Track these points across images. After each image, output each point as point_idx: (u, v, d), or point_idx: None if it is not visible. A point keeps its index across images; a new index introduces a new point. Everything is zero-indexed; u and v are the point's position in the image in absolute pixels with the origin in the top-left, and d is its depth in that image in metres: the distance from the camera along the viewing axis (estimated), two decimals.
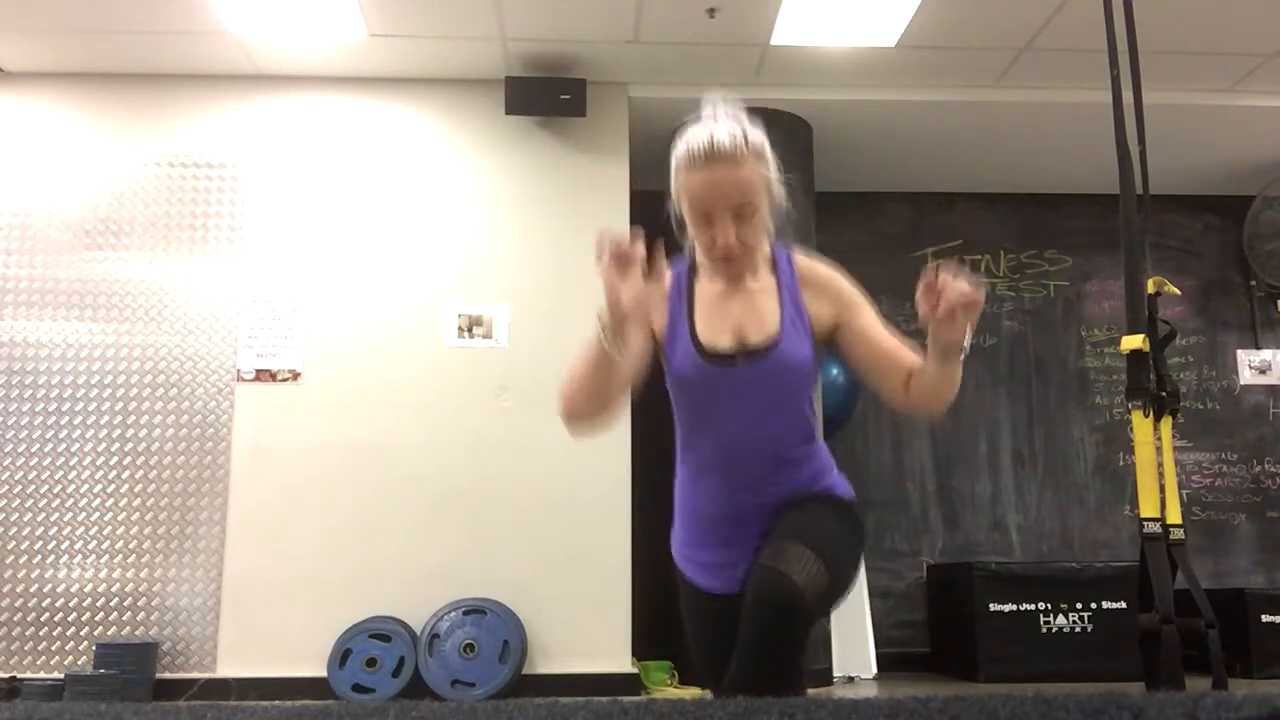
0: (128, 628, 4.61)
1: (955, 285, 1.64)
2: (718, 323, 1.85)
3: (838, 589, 1.77)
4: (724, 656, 1.75)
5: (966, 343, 1.69)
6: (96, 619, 4.62)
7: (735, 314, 1.85)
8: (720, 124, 1.82)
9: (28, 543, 4.67)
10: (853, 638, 5.35)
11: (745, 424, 1.82)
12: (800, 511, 1.83)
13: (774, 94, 5.30)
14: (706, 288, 1.90)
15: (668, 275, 1.90)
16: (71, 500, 4.71)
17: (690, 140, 1.82)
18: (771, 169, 1.83)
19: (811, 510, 1.85)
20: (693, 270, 1.92)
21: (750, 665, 1.64)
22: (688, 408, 1.88)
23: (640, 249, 1.67)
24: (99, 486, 4.73)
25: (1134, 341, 2.93)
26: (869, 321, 1.88)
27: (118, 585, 4.65)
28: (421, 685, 4.42)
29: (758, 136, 1.83)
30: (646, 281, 1.68)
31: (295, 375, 4.88)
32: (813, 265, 1.93)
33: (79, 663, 4.55)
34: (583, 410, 1.79)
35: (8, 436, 4.76)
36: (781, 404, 1.85)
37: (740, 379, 1.82)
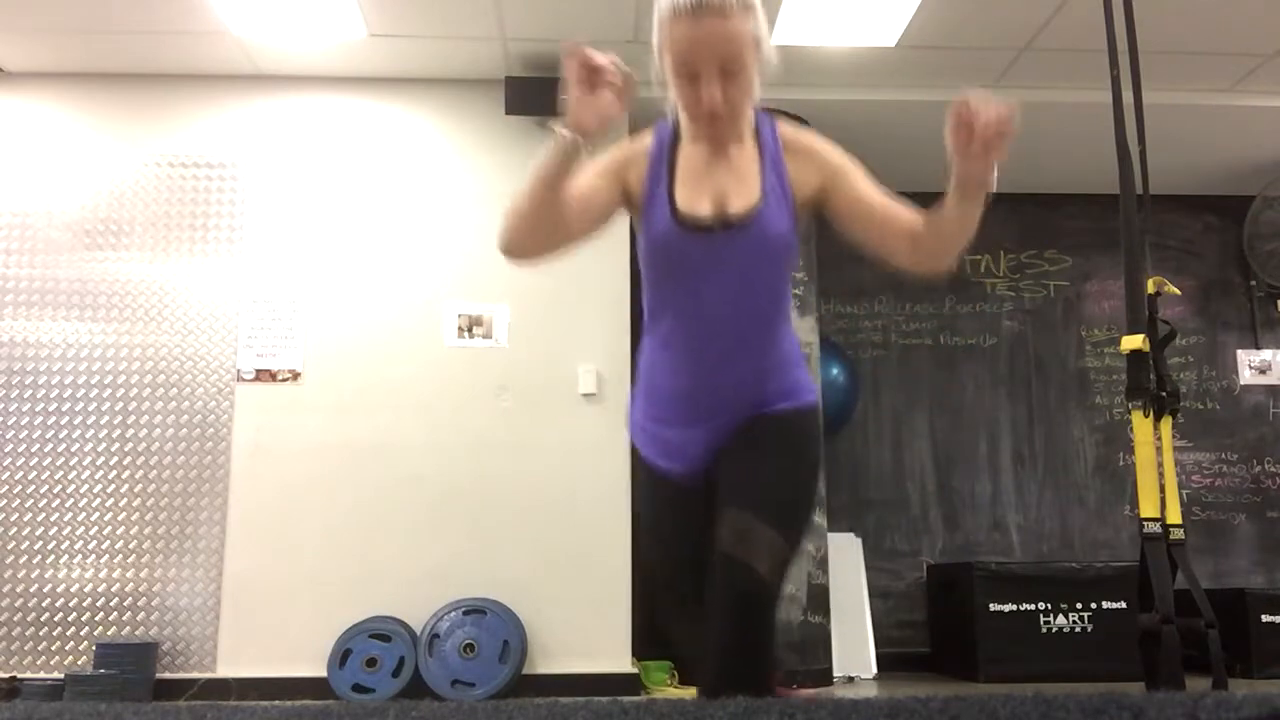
0: (128, 628, 4.61)
1: (988, 114, 1.56)
2: (698, 189, 1.77)
3: (797, 549, 1.74)
4: (680, 549, 1.77)
5: (992, 180, 1.60)
6: (96, 619, 4.62)
7: (717, 181, 1.78)
8: None
9: (28, 543, 4.67)
10: (853, 638, 5.35)
11: (718, 296, 1.75)
12: (763, 458, 1.75)
13: (774, 94, 5.26)
14: (689, 152, 1.81)
15: (649, 136, 1.84)
16: (71, 500, 4.71)
17: None
18: (761, 24, 1.73)
19: (775, 457, 1.76)
20: (675, 134, 1.84)
21: (726, 656, 1.63)
22: (660, 275, 1.80)
23: (611, 63, 1.61)
24: (99, 486, 4.74)
25: (1134, 341, 2.93)
26: (860, 184, 1.81)
27: (118, 585, 4.65)
28: (421, 685, 4.42)
29: None
30: (618, 103, 1.62)
31: (295, 375, 4.88)
32: (797, 132, 1.86)
33: (79, 663, 4.55)
34: (525, 243, 1.72)
35: (8, 436, 4.76)
36: (757, 277, 1.77)
37: (717, 248, 1.74)
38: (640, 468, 1.92)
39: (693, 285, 1.76)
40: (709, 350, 1.78)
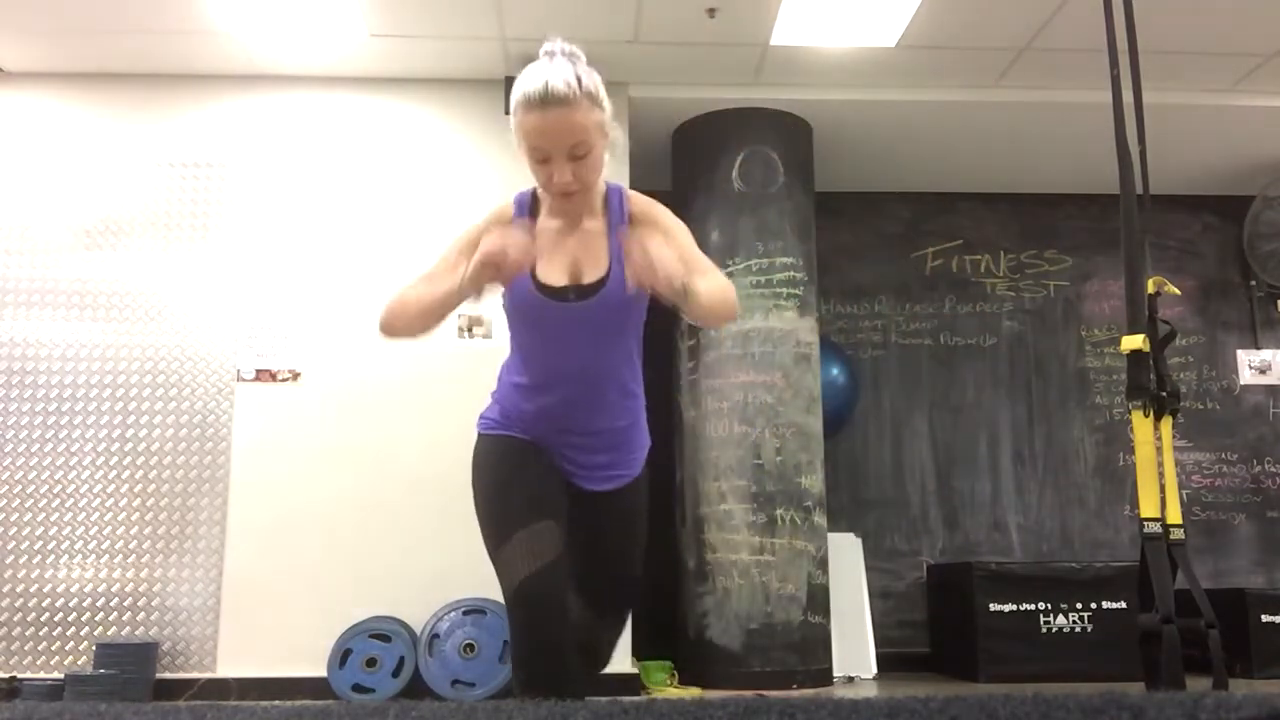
0: (128, 628, 4.61)
1: (635, 257, 1.73)
2: (554, 259, 1.95)
3: (629, 613, 2.17)
4: (525, 490, 1.92)
5: (681, 285, 1.75)
6: (96, 619, 4.62)
7: (571, 251, 1.96)
8: (555, 67, 1.88)
9: (28, 543, 4.67)
10: (853, 638, 5.35)
11: (575, 356, 1.95)
12: (610, 552, 2.07)
13: (774, 94, 5.30)
14: (545, 223, 2.00)
15: (510, 207, 2.03)
16: (71, 500, 4.71)
17: (525, 83, 1.87)
18: (606, 111, 1.92)
19: (620, 553, 2.08)
20: (534, 203, 2.03)
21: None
22: (523, 335, 2.01)
23: (514, 244, 1.77)
24: (99, 486, 4.73)
25: (1134, 341, 2.93)
26: (679, 247, 1.96)
27: (118, 585, 4.65)
28: (421, 685, 4.42)
29: (592, 80, 1.90)
30: (528, 251, 1.81)
31: (295, 375, 4.88)
32: (638, 200, 2.04)
33: (79, 663, 4.55)
34: (406, 329, 1.96)
35: (8, 436, 4.76)
36: (611, 339, 1.97)
37: (572, 314, 1.94)
38: (482, 446, 2.06)
39: (550, 343, 1.97)
40: (568, 399, 1.98)
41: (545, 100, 1.83)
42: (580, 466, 2.02)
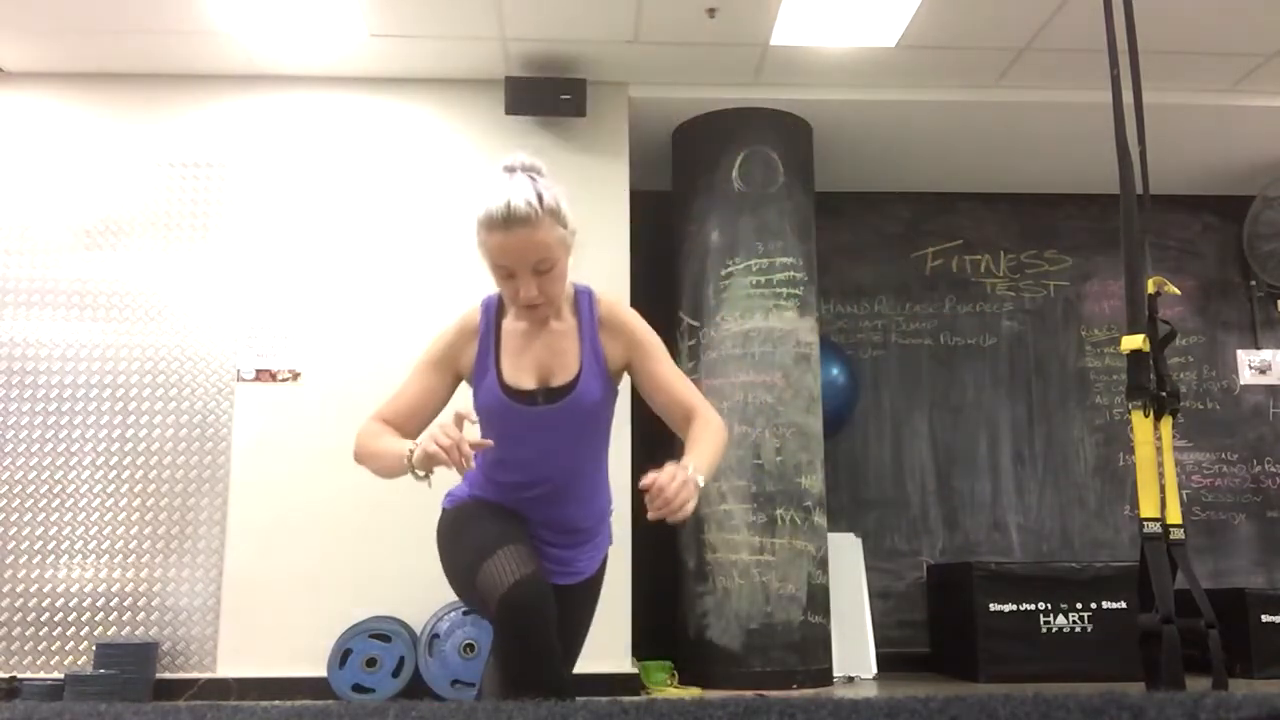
0: (128, 628, 4.61)
1: (667, 491, 1.72)
2: (521, 363, 1.99)
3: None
4: (500, 525, 1.91)
5: (703, 480, 1.81)
6: (96, 619, 4.62)
7: (538, 354, 1.99)
8: (516, 185, 1.89)
9: (28, 543, 4.67)
10: (853, 638, 5.35)
11: (543, 456, 1.98)
12: (574, 625, 2.10)
13: (774, 94, 5.30)
14: (512, 325, 2.02)
15: (477, 314, 2.05)
16: (71, 500, 4.71)
17: (488, 203, 1.89)
18: (569, 225, 1.94)
19: (581, 624, 2.14)
20: (500, 309, 2.05)
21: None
22: (493, 436, 1.98)
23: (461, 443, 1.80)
24: (99, 486, 4.73)
25: (1134, 341, 2.92)
26: (657, 366, 2.01)
27: (118, 585, 4.65)
28: (421, 685, 4.42)
29: (553, 196, 1.92)
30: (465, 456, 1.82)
31: (295, 375, 4.88)
32: (611, 307, 2.05)
33: (79, 663, 4.55)
34: (371, 470, 2.03)
35: (8, 436, 4.76)
36: (578, 439, 2.01)
37: (540, 417, 1.96)
38: (447, 514, 2.08)
39: (518, 445, 1.97)
40: (537, 493, 2.00)
41: (508, 220, 1.86)
42: (551, 561, 2.03)
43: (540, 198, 1.89)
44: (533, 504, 2.01)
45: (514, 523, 1.98)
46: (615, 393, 2.05)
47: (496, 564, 1.81)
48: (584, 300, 2.04)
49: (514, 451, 1.98)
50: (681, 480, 1.73)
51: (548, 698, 1.69)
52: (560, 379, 1.97)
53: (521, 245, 1.87)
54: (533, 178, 1.93)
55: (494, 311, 2.05)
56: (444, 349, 2.05)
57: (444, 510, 2.10)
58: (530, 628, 1.77)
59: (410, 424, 2.02)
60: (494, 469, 2.04)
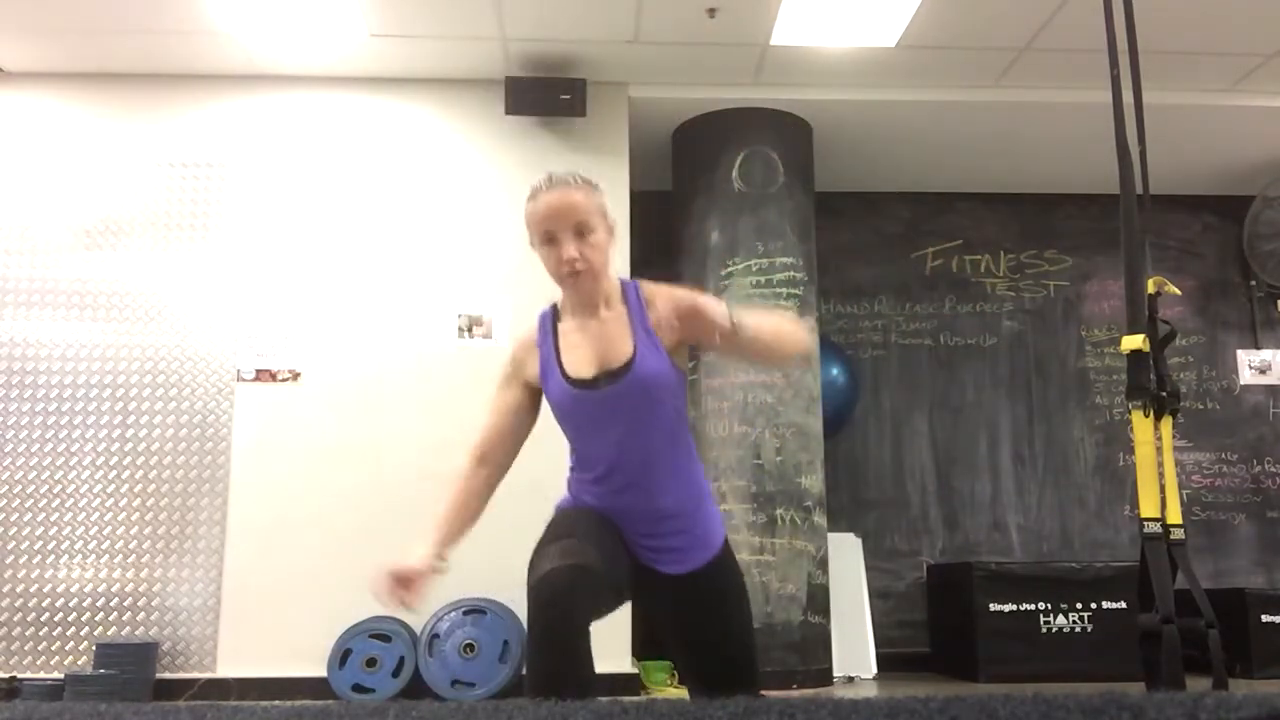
0: (128, 628, 4.61)
1: (676, 307, 1.95)
2: (581, 354, 2.09)
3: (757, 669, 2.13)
4: (590, 532, 1.99)
5: (730, 321, 1.90)
6: (96, 619, 4.62)
7: (594, 343, 2.09)
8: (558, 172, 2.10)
9: (28, 543, 4.67)
10: (853, 638, 5.35)
11: (619, 436, 2.05)
12: (717, 628, 2.10)
13: (774, 94, 5.30)
14: (568, 326, 2.14)
15: (534, 325, 2.19)
16: (71, 500, 4.71)
17: (533, 183, 2.09)
18: (608, 213, 2.10)
19: (711, 618, 2.11)
20: (555, 315, 2.18)
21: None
22: (571, 431, 2.13)
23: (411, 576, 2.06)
24: (99, 486, 4.73)
25: (1134, 341, 2.92)
26: (703, 316, 1.98)
27: (118, 585, 4.65)
28: (421, 685, 4.42)
29: (592, 181, 2.11)
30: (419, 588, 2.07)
31: (295, 375, 4.88)
32: (655, 288, 2.14)
33: (79, 663, 4.55)
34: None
35: (8, 436, 4.76)
36: (647, 418, 2.05)
37: (607, 399, 2.04)
38: (554, 516, 2.17)
39: (593, 434, 2.08)
40: (618, 483, 2.07)
41: (549, 183, 2.04)
42: (654, 551, 2.09)
43: (579, 175, 2.08)
44: (619, 495, 2.08)
45: (593, 521, 2.05)
46: (682, 374, 2.11)
47: (542, 555, 1.91)
48: (630, 289, 2.14)
49: (590, 442, 2.09)
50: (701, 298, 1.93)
51: (564, 689, 1.70)
52: (618, 361, 2.05)
53: (561, 204, 2.01)
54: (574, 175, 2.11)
55: (550, 321, 2.18)
56: (511, 365, 2.19)
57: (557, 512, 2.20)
58: (553, 618, 1.84)
59: (504, 444, 2.19)
60: (580, 468, 2.15)
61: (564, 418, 2.12)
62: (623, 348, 2.06)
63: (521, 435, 2.22)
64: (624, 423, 2.04)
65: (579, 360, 2.09)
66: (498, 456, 2.20)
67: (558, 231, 2.02)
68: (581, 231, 2.03)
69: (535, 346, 2.16)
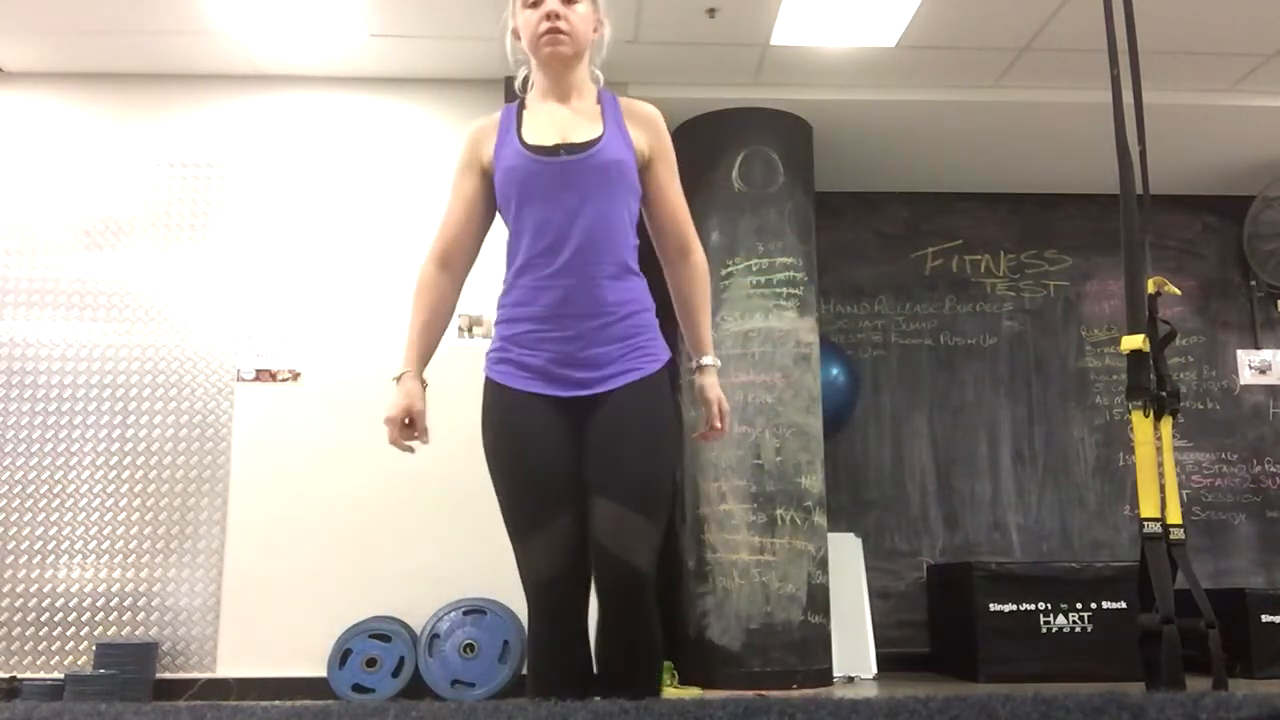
0: (128, 628, 4.61)
1: (724, 429, 2.19)
2: (542, 128, 2.00)
3: (663, 527, 1.97)
4: (534, 461, 1.92)
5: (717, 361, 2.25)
6: (96, 619, 4.62)
7: (560, 121, 2.00)
8: None
9: (28, 543, 4.67)
10: (853, 638, 5.35)
11: (568, 212, 1.93)
12: (629, 444, 1.92)
13: (774, 94, 5.30)
14: (535, 109, 2.05)
15: (497, 114, 2.08)
16: (71, 500, 4.71)
17: None
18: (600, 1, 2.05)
19: (639, 442, 1.93)
20: (521, 106, 2.09)
21: (618, 649, 1.88)
22: (514, 202, 1.98)
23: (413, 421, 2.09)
24: (99, 486, 4.73)
25: (1134, 341, 2.92)
26: (672, 179, 2.08)
27: (118, 585, 4.65)
28: (421, 685, 4.42)
29: None
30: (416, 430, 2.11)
31: (295, 375, 4.88)
32: (635, 102, 2.10)
33: (79, 663, 4.55)
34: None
35: (8, 436, 4.76)
36: (602, 199, 1.95)
37: (567, 168, 1.94)
38: (490, 398, 2.09)
39: (548, 201, 1.95)
40: (560, 264, 1.94)
41: None
42: (591, 367, 1.95)
43: None
44: (561, 276, 1.95)
45: (551, 462, 1.95)
46: (638, 189, 2.04)
47: (530, 548, 1.91)
48: (607, 95, 2.09)
49: (540, 210, 1.95)
50: (725, 410, 2.15)
51: (564, 689, 1.71)
52: (582, 138, 1.97)
53: None
54: None
55: (515, 109, 2.08)
56: (467, 149, 2.08)
57: (485, 380, 2.11)
58: (552, 621, 1.89)
59: (463, 239, 2.09)
60: (522, 253, 2.00)
61: (511, 186, 1.98)
62: (591, 129, 1.99)
63: (480, 232, 2.11)
64: (578, 195, 1.94)
65: (540, 132, 1.99)
66: (458, 257, 2.12)
67: None
68: None
69: (494, 130, 2.06)
